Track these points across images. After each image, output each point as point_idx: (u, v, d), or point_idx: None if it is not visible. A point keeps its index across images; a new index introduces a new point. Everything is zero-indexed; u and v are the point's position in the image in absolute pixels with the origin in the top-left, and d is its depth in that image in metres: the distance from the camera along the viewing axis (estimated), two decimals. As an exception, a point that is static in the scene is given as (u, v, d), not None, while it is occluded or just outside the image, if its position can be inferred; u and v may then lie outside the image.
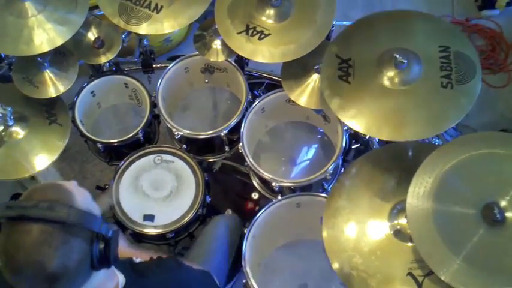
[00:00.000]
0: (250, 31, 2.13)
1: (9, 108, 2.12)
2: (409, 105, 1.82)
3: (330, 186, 2.21)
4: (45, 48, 2.11)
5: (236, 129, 2.28)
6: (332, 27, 2.18)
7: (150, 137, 2.50)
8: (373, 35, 1.97)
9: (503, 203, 1.55)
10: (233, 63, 2.40)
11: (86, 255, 1.22)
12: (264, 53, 2.10)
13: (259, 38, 2.12)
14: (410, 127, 1.79)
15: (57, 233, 1.17)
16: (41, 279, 1.17)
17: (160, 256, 1.64)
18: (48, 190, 1.26)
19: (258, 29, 2.13)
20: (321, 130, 2.48)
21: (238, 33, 2.14)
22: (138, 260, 1.63)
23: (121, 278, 1.41)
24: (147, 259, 1.65)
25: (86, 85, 2.43)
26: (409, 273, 1.69)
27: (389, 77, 1.84)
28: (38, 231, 1.16)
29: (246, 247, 2.03)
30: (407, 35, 1.93)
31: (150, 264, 1.59)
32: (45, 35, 2.11)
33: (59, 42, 2.13)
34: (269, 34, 2.12)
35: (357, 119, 1.85)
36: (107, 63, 2.44)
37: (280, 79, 2.21)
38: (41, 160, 2.17)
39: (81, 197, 1.27)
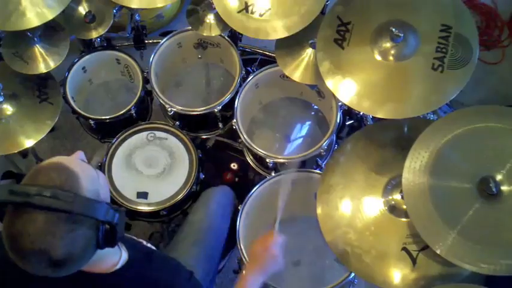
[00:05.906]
0: (250, 8, 2.08)
1: (-2, 84, 2.10)
2: (395, 82, 1.80)
3: (324, 163, 2.20)
4: (35, 22, 2.07)
5: (230, 105, 2.26)
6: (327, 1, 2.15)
7: (143, 113, 2.47)
8: (380, 3, 1.90)
9: (498, 177, 1.55)
10: (227, 38, 2.37)
11: (92, 240, 1.21)
12: (269, 29, 2.06)
13: (260, 15, 2.07)
14: (390, 104, 1.77)
15: (62, 222, 1.15)
16: (46, 264, 1.17)
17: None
18: (52, 173, 1.20)
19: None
20: (315, 106, 2.46)
21: (238, 11, 2.09)
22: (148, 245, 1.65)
23: (125, 255, 1.40)
24: None
25: (77, 61, 2.41)
26: (404, 249, 1.69)
27: (383, 49, 1.81)
28: (42, 220, 1.14)
29: (240, 224, 2.02)
30: (414, 7, 1.86)
31: (158, 256, 1.58)
32: (35, 9, 2.07)
33: (50, 16, 2.09)
34: (269, 9, 2.07)
35: (342, 87, 1.83)
36: (98, 39, 2.40)
37: (274, 55, 2.19)
38: (29, 138, 2.16)
39: (87, 179, 1.23)
